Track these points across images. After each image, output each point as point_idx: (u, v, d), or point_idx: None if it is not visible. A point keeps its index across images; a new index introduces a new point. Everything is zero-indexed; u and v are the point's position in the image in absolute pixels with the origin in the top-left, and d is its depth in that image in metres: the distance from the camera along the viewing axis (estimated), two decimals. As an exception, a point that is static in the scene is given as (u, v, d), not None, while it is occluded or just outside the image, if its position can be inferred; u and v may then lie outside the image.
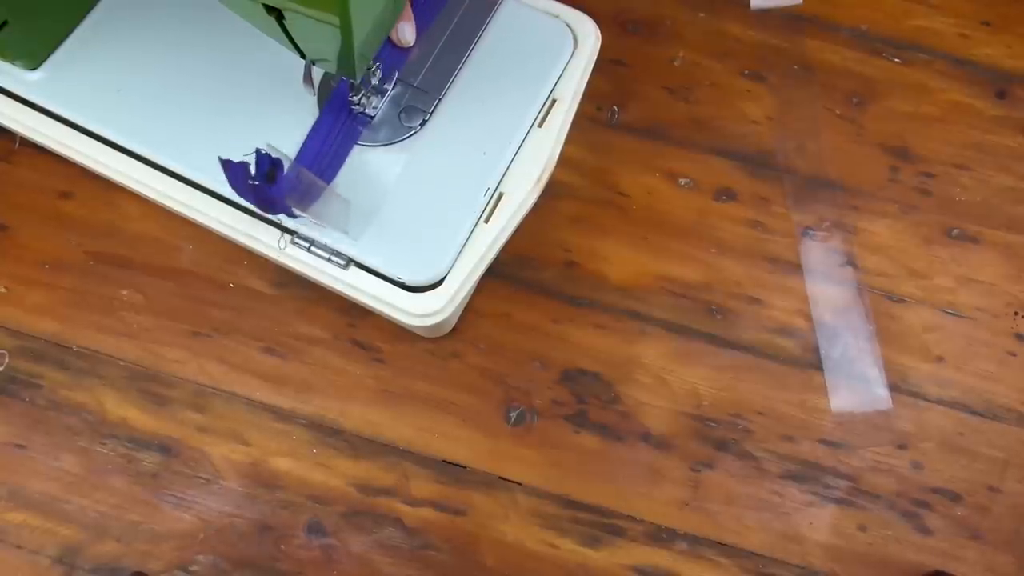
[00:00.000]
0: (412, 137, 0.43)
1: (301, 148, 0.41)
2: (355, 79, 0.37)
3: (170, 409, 0.54)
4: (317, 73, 0.43)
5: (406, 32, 0.41)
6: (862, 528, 0.53)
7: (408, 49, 0.43)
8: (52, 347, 0.55)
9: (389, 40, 0.42)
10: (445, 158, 0.42)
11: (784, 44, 0.64)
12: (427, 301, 0.41)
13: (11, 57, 0.42)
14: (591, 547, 0.53)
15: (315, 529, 0.52)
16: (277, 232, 0.41)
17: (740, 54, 0.64)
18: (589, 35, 0.45)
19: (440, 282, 0.41)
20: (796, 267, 0.58)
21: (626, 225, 0.59)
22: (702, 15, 0.65)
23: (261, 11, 0.31)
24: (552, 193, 0.58)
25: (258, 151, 0.35)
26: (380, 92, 0.42)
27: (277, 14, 0.31)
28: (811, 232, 0.59)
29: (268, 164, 0.35)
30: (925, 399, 0.56)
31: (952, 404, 0.56)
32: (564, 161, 0.55)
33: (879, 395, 0.56)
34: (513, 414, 0.55)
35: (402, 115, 0.43)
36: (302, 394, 0.54)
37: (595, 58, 0.45)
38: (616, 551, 0.52)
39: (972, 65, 0.64)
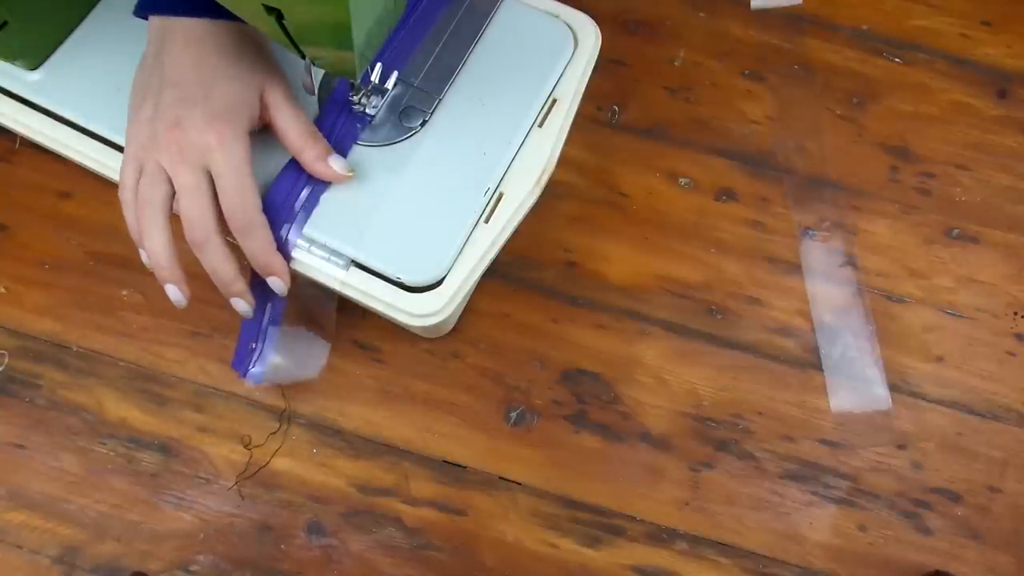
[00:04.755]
0: (412, 137, 0.43)
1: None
2: (355, 79, 0.37)
3: (170, 409, 0.54)
4: (317, 73, 0.43)
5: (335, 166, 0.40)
6: (862, 528, 0.53)
7: (409, 49, 0.43)
8: (52, 347, 0.55)
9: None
10: (445, 158, 0.42)
11: (784, 44, 0.64)
12: (427, 301, 0.41)
13: (11, 57, 0.42)
14: (591, 547, 0.52)
15: (315, 529, 0.52)
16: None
17: (740, 54, 0.64)
18: (589, 35, 0.45)
19: (440, 282, 0.41)
20: (796, 267, 0.58)
21: (626, 225, 0.59)
22: (702, 15, 0.65)
23: (261, 11, 0.31)
24: (552, 193, 0.58)
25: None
26: (380, 92, 0.42)
27: (277, 14, 0.31)
28: (811, 232, 0.59)
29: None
30: (925, 399, 0.56)
31: (952, 404, 0.56)
32: (564, 161, 0.55)
33: (879, 395, 0.56)
34: (513, 414, 0.55)
35: (402, 115, 0.43)
36: (302, 394, 0.54)
37: (595, 58, 0.45)
38: (616, 551, 0.52)
39: (972, 65, 0.64)
